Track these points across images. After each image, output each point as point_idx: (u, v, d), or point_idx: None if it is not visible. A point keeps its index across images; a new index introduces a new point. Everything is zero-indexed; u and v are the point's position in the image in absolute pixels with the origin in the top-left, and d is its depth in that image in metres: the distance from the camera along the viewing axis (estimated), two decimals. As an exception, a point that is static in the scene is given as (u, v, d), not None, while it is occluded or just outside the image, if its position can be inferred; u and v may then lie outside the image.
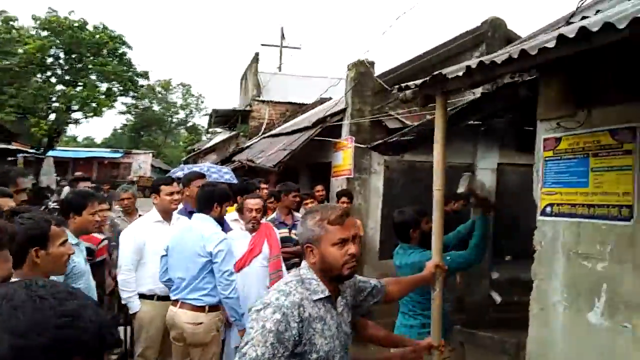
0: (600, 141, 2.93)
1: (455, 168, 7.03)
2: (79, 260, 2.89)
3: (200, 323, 3.44)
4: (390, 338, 2.46)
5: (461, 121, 5.19)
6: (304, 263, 1.86)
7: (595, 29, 1.80)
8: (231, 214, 4.56)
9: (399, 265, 3.46)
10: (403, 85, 3.14)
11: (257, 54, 16.73)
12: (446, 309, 2.96)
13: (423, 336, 2.67)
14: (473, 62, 2.55)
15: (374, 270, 6.50)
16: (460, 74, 2.56)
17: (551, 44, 1.99)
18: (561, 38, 1.94)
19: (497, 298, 3.25)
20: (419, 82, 3.02)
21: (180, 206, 4.34)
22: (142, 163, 32.24)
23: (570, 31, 1.91)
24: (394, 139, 5.00)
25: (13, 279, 1.73)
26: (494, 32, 7.55)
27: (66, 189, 9.90)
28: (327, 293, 1.80)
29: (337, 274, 1.81)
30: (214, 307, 3.50)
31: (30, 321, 0.82)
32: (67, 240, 2.16)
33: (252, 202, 4.08)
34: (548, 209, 3.21)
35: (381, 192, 6.71)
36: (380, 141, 5.91)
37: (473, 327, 4.29)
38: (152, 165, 33.99)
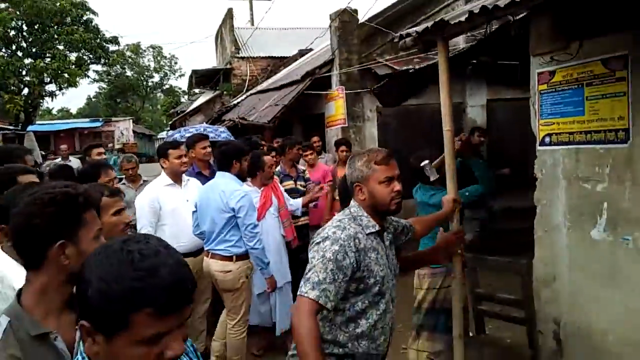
0: (593, 71, 3.08)
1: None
2: None
3: (229, 271, 3.72)
4: (421, 255, 2.76)
5: (457, 66, 5.31)
6: (353, 202, 2.04)
7: None
8: None
9: (428, 204, 3.70)
10: (404, 33, 3.23)
11: (230, 10, 16.29)
12: None
13: None
14: (475, 7, 2.65)
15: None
16: (463, 19, 2.66)
17: None
18: None
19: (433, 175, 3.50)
20: (420, 28, 3.11)
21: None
22: (124, 130, 31.74)
23: None
24: (394, 84, 5.08)
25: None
26: (475, -32, 7.54)
27: (56, 161, 9.86)
28: (377, 227, 2.00)
29: (385, 209, 2.02)
30: (241, 257, 3.75)
31: (114, 270, 0.95)
32: (121, 209, 2.15)
33: (268, 159, 4.28)
34: (547, 139, 3.40)
35: (376, 138, 6.88)
36: (381, 84, 5.97)
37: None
38: (134, 132, 33.51)
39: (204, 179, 4.61)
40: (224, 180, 3.81)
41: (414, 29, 3.18)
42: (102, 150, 5.10)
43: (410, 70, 6.07)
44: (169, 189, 4.08)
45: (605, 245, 2.94)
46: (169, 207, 4.00)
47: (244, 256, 3.76)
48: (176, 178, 4.14)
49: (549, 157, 3.36)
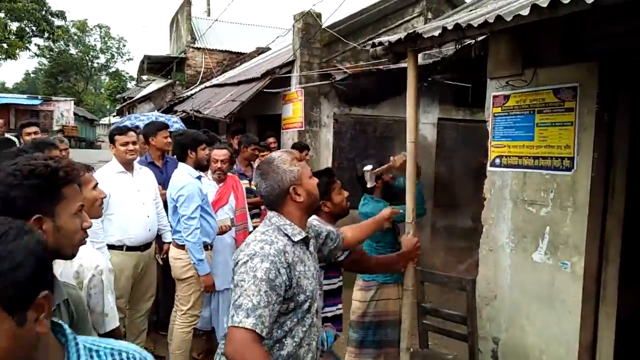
0: (545, 99, 3.25)
1: (399, 122, 7.35)
2: None
3: (179, 259, 3.78)
4: (384, 260, 2.78)
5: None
6: (271, 213, 1.91)
7: (565, 1, 2.01)
8: None
9: (362, 213, 3.73)
10: (376, 41, 3.25)
11: (189, -4, 15.89)
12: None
13: None
14: (449, 23, 2.71)
15: (326, 219, 6.79)
16: (436, 34, 2.71)
17: (525, 12, 2.19)
18: (534, 7, 2.15)
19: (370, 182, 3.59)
20: (393, 39, 3.14)
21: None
22: (64, 111, 30.02)
23: (542, 2, 2.12)
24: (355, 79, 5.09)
25: None
26: (435, -11, 7.81)
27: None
28: (304, 234, 1.87)
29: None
30: None
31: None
32: (97, 184, 2.14)
33: (218, 153, 4.18)
34: (497, 161, 3.54)
35: (331, 144, 6.90)
36: (345, 75, 5.98)
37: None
38: (75, 114, 31.83)
39: (157, 169, 4.45)
40: (178, 171, 3.82)
41: (387, 38, 3.20)
42: (36, 129, 4.75)
43: (382, 68, 6.14)
44: (119, 176, 3.88)
45: (545, 268, 3.09)
46: (118, 197, 3.80)
47: None
48: (127, 166, 3.95)
49: (498, 179, 3.49)
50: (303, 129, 6.70)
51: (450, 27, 2.58)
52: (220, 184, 4.26)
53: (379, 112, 6.88)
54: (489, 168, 3.58)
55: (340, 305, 2.63)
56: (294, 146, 6.14)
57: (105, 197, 2.21)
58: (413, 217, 2.76)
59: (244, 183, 4.90)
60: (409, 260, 2.71)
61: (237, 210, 4.29)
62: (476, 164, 5.37)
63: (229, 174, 4.36)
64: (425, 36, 2.75)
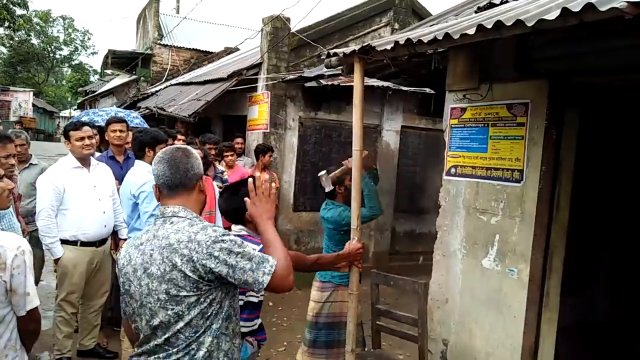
0: (499, 113, 3.40)
1: (365, 128, 7.47)
2: None
3: None
4: (326, 259, 2.68)
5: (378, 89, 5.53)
6: (176, 207, 1.82)
7: (508, 24, 2.14)
8: None
9: (323, 217, 3.80)
10: (331, 52, 3.33)
11: (158, -7, 15.66)
12: None
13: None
14: (400, 38, 2.80)
15: (289, 221, 6.84)
16: (389, 47, 2.80)
17: (471, 31, 2.30)
18: (480, 27, 2.27)
19: (326, 186, 3.73)
20: (347, 50, 3.22)
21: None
22: (23, 102, 28.97)
23: (487, 22, 2.24)
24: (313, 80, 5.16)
25: None
26: (401, 1, 8.00)
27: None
28: None
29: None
30: None
31: None
32: (3, 176, 2.14)
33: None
34: (452, 170, 3.67)
35: (296, 147, 6.96)
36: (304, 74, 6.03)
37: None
38: (34, 105, 30.74)
39: (117, 165, 4.42)
40: (136, 168, 3.81)
41: (341, 49, 3.29)
42: None
43: (336, 83, 6.25)
44: (75, 172, 3.84)
45: (493, 274, 3.23)
46: (73, 192, 3.77)
47: None
48: (83, 161, 3.91)
49: (452, 187, 3.63)
50: (268, 131, 6.73)
51: (401, 42, 2.68)
52: None
53: (344, 118, 6.99)
54: (444, 177, 3.72)
55: (259, 320, 2.44)
56: (257, 148, 6.17)
57: (12, 189, 2.23)
58: (358, 224, 2.75)
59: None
60: (348, 262, 2.64)
61: (205, 213, 4.29)
62: (437, 171, 5.55)
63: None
64: (378, 49, 2.84)
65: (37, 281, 4.42)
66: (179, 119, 6.89)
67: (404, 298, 4.13)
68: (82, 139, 3.83)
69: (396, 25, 7.86)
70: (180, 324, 1.68)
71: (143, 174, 3.73)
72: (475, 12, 3.70)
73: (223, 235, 1.71)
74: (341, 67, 3.86)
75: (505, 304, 3.17)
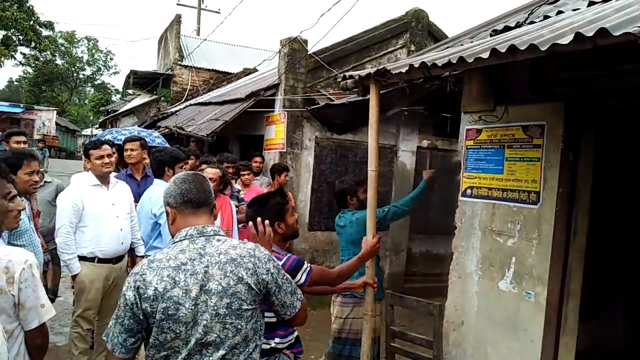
0: (515, 135, 3.40)
1: (380, 148, 7.49)
2: (23, 217, 2.89)
3: None
4: (346, 266, 2.78)
5: (390, 109, 5.58)
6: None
7: (522, 48, 2.16)
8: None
9: (342, 225, 3.84)
10: (347, 74, 3.39)
11: (178, 16, 16.05)
12: (379, 276, 3.46)
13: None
14: (415, 61, 2.85)
15: (304, 241, 6.85)
16: (404, 70, 2.85)
17: (485, 55, 2.34)
18: (494, 51, 2.30)
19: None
20: (363, 73, 3.28)
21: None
22: (46, 120, 29.65)
23: (501, 46, 2.27)
24: (329, 109, 5.23)
25: None
26: (417, 23, 8.07)
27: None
28: None
29: None
30: None
31: None
32: (15, 195, 2.16)
33: (210, 171, 4.23)
34: (468, 191, 3.67)
35: (312, 167, 7.01)
36: (319, 105, 6.12)
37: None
38: (57, 124, 31.47)
39: (134, 182, 4.50)
40: (155, 187, 3.86)
41: (357, 72, 3.35)
42: (23, 139, 4.76)
43: (346, 102, 6.29)
44: (94, 189, 3.92)
45: (510, 297, 3.20)
46: (92, 209, 3.84)
47: None
48: (102, 179, 4.00)
49: (468, 208, 3.62)
50: (284, 150, 6.80)
51: (416, 65, 2.72)
52: None
53: (360, 138, 7.03)
54: (460, 198, 3.71)
55: (295, 334, 2.47)
56: (273, 167, 6.24)
57: (23, 209, 2.27)
58: (373, 234, 2.93)
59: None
60: (368, 258, 2.81)
61: (223, 232, 4.34)
62: (453, 192, 5.54)
63: (220, 194, 4.41)
64: (393, 72, 2.89)
65: (55, 297, 4.50)
66: (197, 138, 7.01)
67: (419, 320, 4.09)
68: (102, 157, 3.92)
69: (412, 47, 7.92)
70: (237, 339, 1.71)
71: (158, 194, 3.80)
72: (491, 34, 3.74)
73: (270, 255, 1.87)
74: (357, 89, 3.94)
75: (522, 327, 3.12)
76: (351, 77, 3.44)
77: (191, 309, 1.66)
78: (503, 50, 2.24)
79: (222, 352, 1.69)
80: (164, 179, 3.90)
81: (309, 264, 2.44)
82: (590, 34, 1.86)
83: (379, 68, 3.13)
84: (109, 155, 3.99)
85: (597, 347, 3.79)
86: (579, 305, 3.13)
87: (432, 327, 3.25)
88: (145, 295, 1.67)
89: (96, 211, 3.84)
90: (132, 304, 1.68)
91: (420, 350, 3.36)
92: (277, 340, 2.33)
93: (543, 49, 2.05)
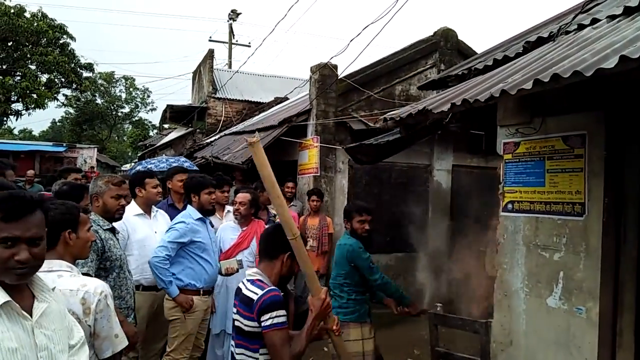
0: (554, 146, 3.32)
1: (414, 168, 7.45)
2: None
3: (168, 299, 3.84)
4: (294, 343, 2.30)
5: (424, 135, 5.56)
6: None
7: (565, 76, 2.13)
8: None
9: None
10: (387, 117, 3.43)
11: (211, 51, 16.63)
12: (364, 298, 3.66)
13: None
14: (457, 99, 2.79)
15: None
16: (445, 109, 2.83)
17: (528, 86, 2.30)
18: (537, 81, 2.26)
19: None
20: (403, 113, 3.29)
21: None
22: (87, 158, 30.78)
23: (544, 76, 2.23)
24: (369, 144, 5.27)
25: (46, 258, 1.89)
26: (446, 42, 8.07)
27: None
28: None
29: None
30: (181, 290, 3.79)
31: None
32: (91, 227, 2.30)
33: (240, 196, 4.35)
34: (509, 206, 3.58)
35: (346, 190, 7.01)
36: (354, 144, 6.15)
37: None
38: (97, 160, 32.66)
39: (176, 212, 4.59)
40: (182, 213, 3.97)
41: (398, 112, 3.37)
42: (79, 175, 5.05)
43: (382, 142, 6.32)
44: (138, 218, 4.04)
45: (560, 314, 3.07)
46: (137, 237, 3.96)
47: (181, 290, 3.79)
48: (147, 208, 4.12)
49: (510, 224, 3.53)
50: (318, 174, 6.84)
51: (458, 103, 2.70)
52: (244, 228, 4.38)
53: (394, 159, 7.00)
54: (501, 213, 3.63)
55: (261, 351, 2.22)
56: (307, 192, 6.28)
57: (94, 240, 2.37)
58: (317, 288, 2.36)
59: (262, 226, 5.01)
60: (320, 321, 2.34)
61: (258, 255, 4.38)
62: (489, 209, 5.44)
63: (254, 218, 4.48)
64: (435, 111, 2.88)
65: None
66: (234, 166, 7.14)
67: (463, 342, 3.96)
68: (157, 186, 4.09)
69: (442, 66, 7.92)
70: None
71: (181, 218, 3.91)
72: (524, 46, 3.70)
73: None
74: (398, 128, 3.96)
75: (575, 345, 2.99)
76: (392, 118, 3.48)
77: None
78: (547, 80, 2.21)
79: None
80: (193, 204, 3.99)
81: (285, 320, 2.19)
82: (636, 56, 1.83)
83: (420, 109, 3.13)
84: (160, 186, 4.17)
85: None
86: (634, 320, 2.98)
87: (477, 348, 3.15)
88: None
89: (141, 239, 3.96)
90: None
91: (468, 372, 3.25)
92: (261, 351, 2.20)
93: (588, 74, 2.02)
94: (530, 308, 3.28)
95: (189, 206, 4.02)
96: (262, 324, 2.14)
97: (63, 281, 1.89)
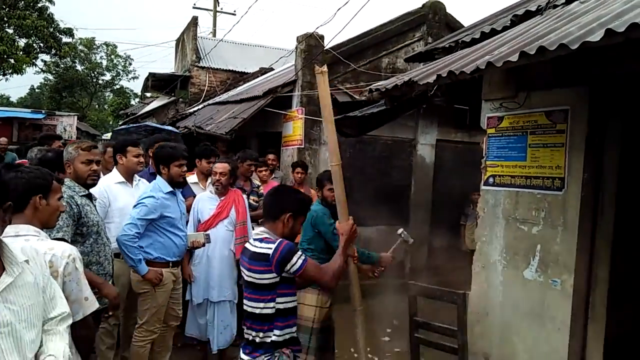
0: (537, 121, 3.34)
1: (399, 142, 7.46)
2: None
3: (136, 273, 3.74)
4: (330, 264, 2.68)
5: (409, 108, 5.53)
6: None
7: (551, 48, 2.12)
8: (191, 177, 4.76)
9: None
10: (373, 87, 3.39)
11: (195, 18, 16.20)
12: None
13: None
14: (443, 71, 2.76)
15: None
16: (431, 80, 2.81)
17: (514, 58, 2.28)
18: (523, 53, 2.25)
19: (409, 239, 3.73)
20: (389, 85, 3.25)
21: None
22: (67, 126, 30.13)
23: (530, 49, 2.21)
24: (354, 116, 5.23)
25: (14, 222, 1.87)
26: (434, 15, 7.98)
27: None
28: None
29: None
30: (150, 263, 3.69)
31: None
32: (62, 197, 2.24)
33: (218, 166, 4.28)
34: (491, 180, 3.62)
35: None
36: (339, 117, 6.11)
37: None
38: (77, 128, 32.01)
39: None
40: (151, 185, 3.85)
41: (383, 84, 3.33)
42: (61, 143, 4.96)
43: (366, 115, 6.29)
44: (119, 186, 3.98)
45: (535, 286, 3.15)
46: (118, 205, 3.91)
47: (150, 263, 3.70)
48: (128, 177, 4.06)
49: (491, 197, 3.57)
50: (302, 146, 6.81)
51: (444, 75, 2.68)
52: (222, 198, 4.34)
53: (378, 132, 6.99)
54: (482, 187, 3.66)
55: (293, 329, 2.48)
56: (292, 164, 6.24)
57: (64, 211, 2.37)
58: (345, 217, 2.81)
59: (242, 197, 4.98)
60: (349, 246, 2.73)
61: (238, 224, 4.35)
62: (474, 185, 5.50)
63: (232, 188, 4.43)
64: (421, 83, 2.86)
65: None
66: (217, 136, 7.05)
67: (443, 312, 4.02)
68: (139, 155, 3.99)
69: (429, 39, 7.85)
70: None
71: (147, 191, 3.77)
72: (512, 20, 3.67)
73: None
74: (383, 99, 3.91)
75: (549, 316, 3.07)
76: (377, 89, 3.44)
77: None
78: (532, 52, 2.19)
79: None
80: (162, 176, 3.82)
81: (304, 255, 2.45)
82: (622, 29, 1.82)
83: (405, 80, 3.10)
84: (142, 155, 4.08)
85: (627, 335, 3.70)
86: (607, 293, 3.07)
87: (454, 317, 3.22)
88: None
89: (122, 207, 3.89)
90: None
91: (447, 341, 3.32)
92: (276, 332, 2.38)
93: (573, 47, 2.02)
94: (507, 280, 3.35)
95: (158, 177, 3.85)
96: (292, 269, 2.36)
97: (30, 245, 1.86)
